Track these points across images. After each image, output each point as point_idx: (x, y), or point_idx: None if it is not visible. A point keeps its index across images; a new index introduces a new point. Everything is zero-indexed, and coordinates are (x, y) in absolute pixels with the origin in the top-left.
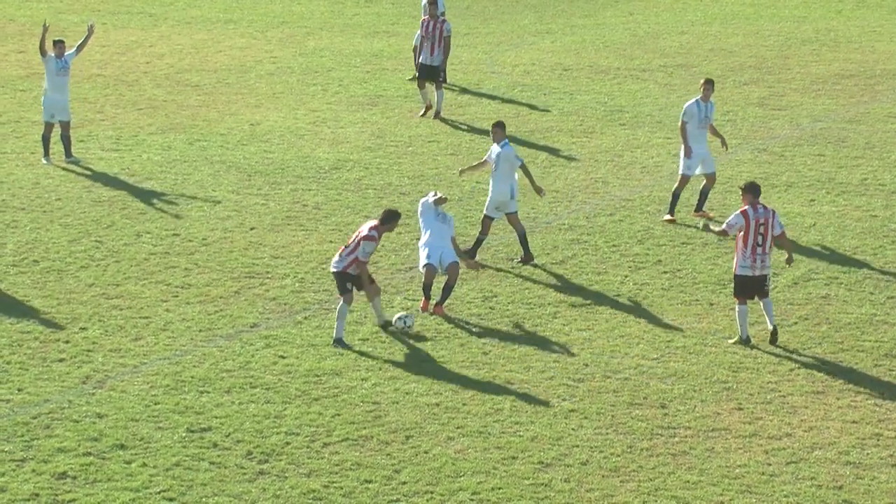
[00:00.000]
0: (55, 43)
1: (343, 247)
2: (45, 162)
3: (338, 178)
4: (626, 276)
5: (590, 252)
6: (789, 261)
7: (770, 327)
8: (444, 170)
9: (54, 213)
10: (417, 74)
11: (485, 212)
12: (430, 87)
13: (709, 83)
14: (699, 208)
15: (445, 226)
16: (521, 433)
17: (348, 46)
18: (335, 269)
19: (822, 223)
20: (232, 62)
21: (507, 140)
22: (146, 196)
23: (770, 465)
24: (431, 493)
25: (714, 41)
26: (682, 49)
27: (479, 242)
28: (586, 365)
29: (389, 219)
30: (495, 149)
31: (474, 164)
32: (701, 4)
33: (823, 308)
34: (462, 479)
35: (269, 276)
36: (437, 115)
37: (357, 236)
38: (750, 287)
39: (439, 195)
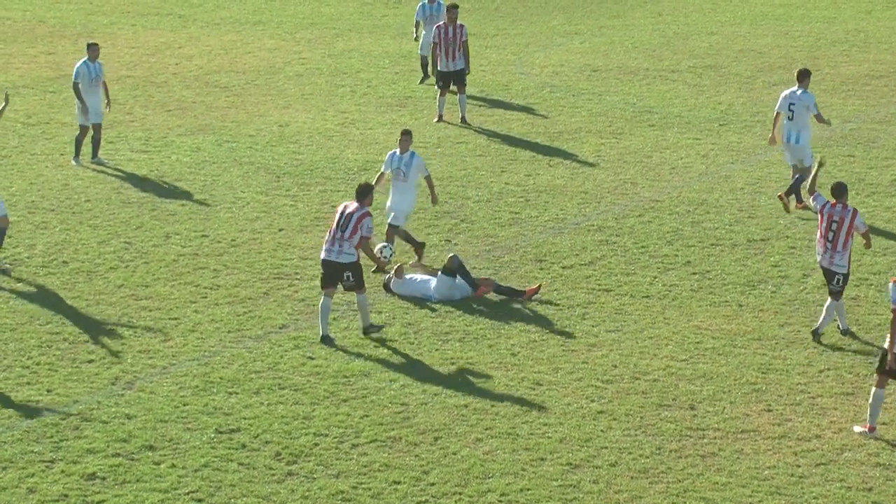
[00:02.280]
0: (89, 46)
1: (340, 234)
2: (74, 164)
3: (366, 178)
4: (655, 278)
5: (619, 253)
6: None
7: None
8: (472, 171)
9: (84, 215)
10: (439, 83)
11: (390, 222)
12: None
13: (801, 73)
14: (795, 197)
15: None
16: (550, 434)
17: (377, 48)
18: (335, 259)
19: None
20: (261, 63)
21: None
22: (175, 197)
23: (799, 466)
24: (460, 494)
25: (744, 42)
26: (712, 50)
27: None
28: (615, 366)
29: (367, 193)
30: (403, 158)
31: (377, 177)
32: (730, 5)
33: (853, 309)
34: (491, 480)
35: (298, 277)
36: (462, 121)
37: (349, 219)
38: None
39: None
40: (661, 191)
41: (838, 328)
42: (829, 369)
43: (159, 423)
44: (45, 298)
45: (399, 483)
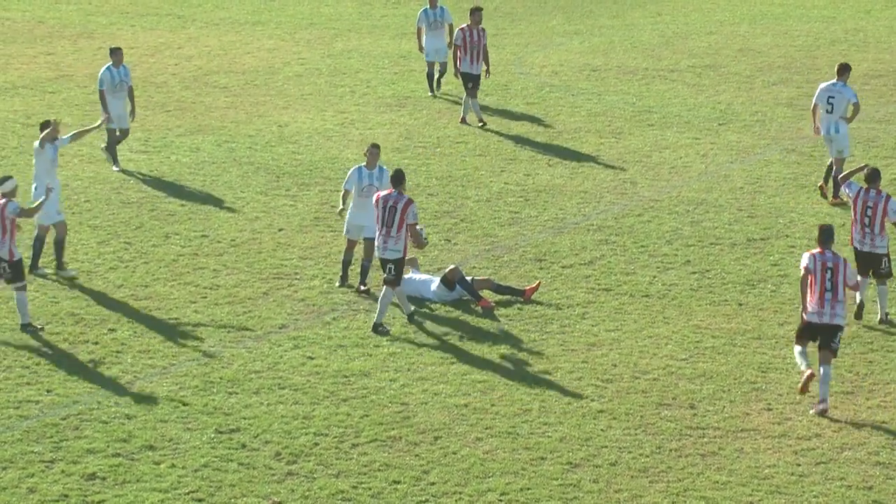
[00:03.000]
0: (112, 51)
1: (387, 230)
2: (115, 169)
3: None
4: (654, 277)
5: (618, 253)
6: None
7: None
8: (472, 170)
9: (83, 215)
10: (467, 84)
11: (348, 235)
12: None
13: (842, 67)
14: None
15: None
16: (550, 434)
17: (376, 48)
18: (379, 255)
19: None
20: (260, 64)
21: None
22: (175, 198)
23: (799, 465)
24: (460, 493)
25: (743, 41)
26: (711, 49)
27: (346, 264)
28: (615, 365)
29: (402, 179)
30: (373, 173)
31: (343, 194)
32: (729, 5)
33: (850, 309)
34: (491, 479)
35: (298, 277)
36: (462, 121)
37: (392, 212)
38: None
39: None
40: (660, 190)
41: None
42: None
43: (159, 422)
44: (45, 298)
45: (399, 482)
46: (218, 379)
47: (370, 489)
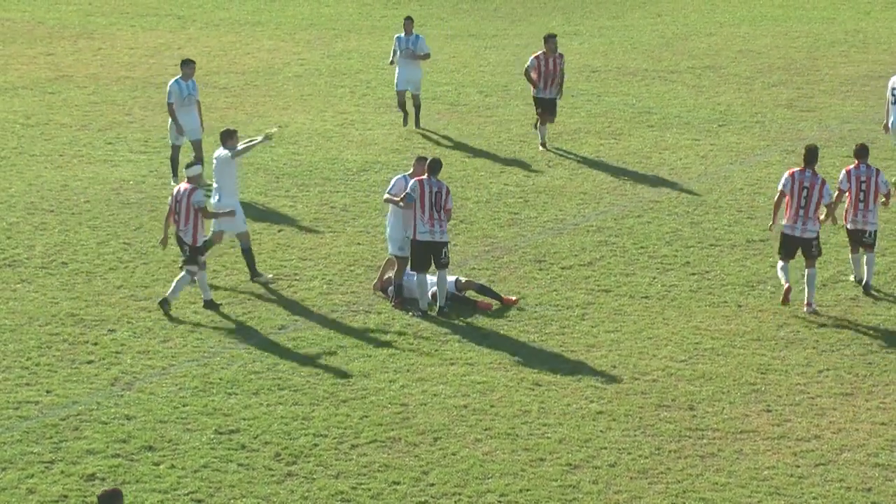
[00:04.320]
0: (183, 63)
1: (430, 214)
2: (174, 183)
3: (366, 179)
4: (654, 278)
5: (618, 254)
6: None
7: (864, 280)
8: (471, 171)
9: (83, 216)
10: (538, 108)
11: (396, 252)
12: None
13: None
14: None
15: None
16: (549, 435)
17: (376, 48)
18: (438, 239)
19: None
20: (260, 64)
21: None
22: None
23: (799, 467)
24: (459, 494)
25: (742, 42)
26: (711, 50)
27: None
28: (614, 367)
29: (441, 166)
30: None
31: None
32: (729, 6)
33: (853, 310)
34: (490, 480)
35: (297, 277)
36: (542, 145)
37: (438, 197)
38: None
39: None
40: (660, 191)
41: (854, 278)
42: (828, 370)
43: (159, 423)
44: (45, 299)
45: (398, 483)
46: (217, 380)
47: (370, 490)
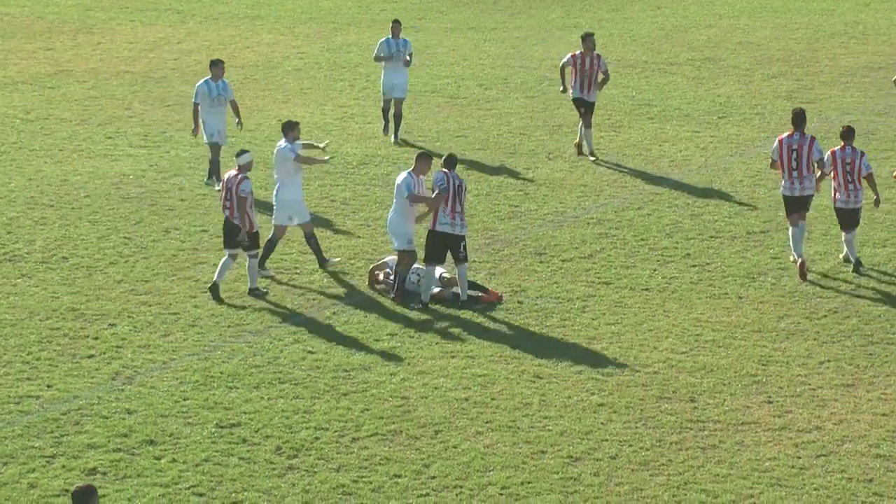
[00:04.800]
0: (212, 63)
1: (453, 207)
2: (207, 183)
3: (366, 173)
4: (654, 270)
5: (618, 246)
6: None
7: (852, 260)
8: (472, 164)
9: (83, 210)
10: (580, 109)
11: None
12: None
13: None
14: None
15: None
16: (551, 427)
17: (376, 41)
18: (458, 232)
19: None
20: (259, 58)
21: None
22: (174, 192)
23: (800, 458)
24: (461, 487)
25: (742, 34)
26: (710, 42)
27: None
28: (615, 359)
29: (456, 161)
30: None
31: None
32: None
33: (853, 301)
34: (491, 473)
35: (298, 271)
36: (591, 154)
37: (460, 190)
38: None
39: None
40: (660, 183)
41: (846, 259)
42: (829, 361)
43: (160, 417)
44: (45, 294)
45: (400, 476)
46: (218, 374)
47: (371, 483)
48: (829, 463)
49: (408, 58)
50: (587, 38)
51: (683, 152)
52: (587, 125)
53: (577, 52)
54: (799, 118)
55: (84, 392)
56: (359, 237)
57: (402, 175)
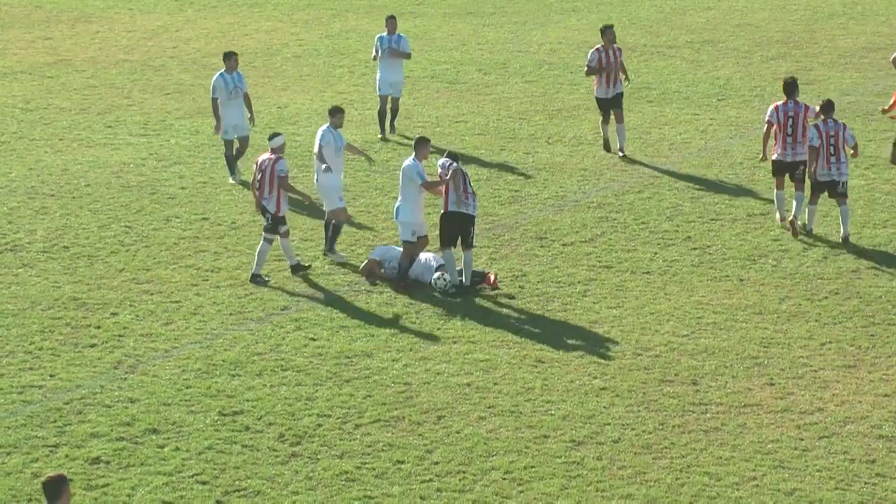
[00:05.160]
0: (226, 56)
1: (465, 188)
2: (231, 181)
3: (366, 159)
4: (655, 253)
5: (619, 230)
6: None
7: (842, 234)
8: (471, 150)
9: (83, 199)
10: (607, 111)
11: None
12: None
13: None
14: None
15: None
16: (553, 412)
17: (374, 28)
18: (472, 212)
19: (852, 197)
20: (258, 45)
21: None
22: (175, 181)
23: (802, 439)
24: (464, 472)
25: (741, 16)
26: (709, 25)
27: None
28: (617, 343)
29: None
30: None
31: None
32: None
33: (854, 282)
34: (494, 458)
35: (299, 258)
36: (621, 150)
37: (467, 176)
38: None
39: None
40: (660, 167)
41: (845, 236)
42: (830, 342)
43: (163, 406)
44: (47, 283)
45: (403, 462)
46: (220, 361)
47: (374, 469)
48: (832, 444)
49: (402, 53)
50: (607, 31)
51: (683, 135)
52: (619, 120)
53: (600, 46)
54: (790, 87)
55: (87, 381)
56: (360, 224)
57: (408, 162)
